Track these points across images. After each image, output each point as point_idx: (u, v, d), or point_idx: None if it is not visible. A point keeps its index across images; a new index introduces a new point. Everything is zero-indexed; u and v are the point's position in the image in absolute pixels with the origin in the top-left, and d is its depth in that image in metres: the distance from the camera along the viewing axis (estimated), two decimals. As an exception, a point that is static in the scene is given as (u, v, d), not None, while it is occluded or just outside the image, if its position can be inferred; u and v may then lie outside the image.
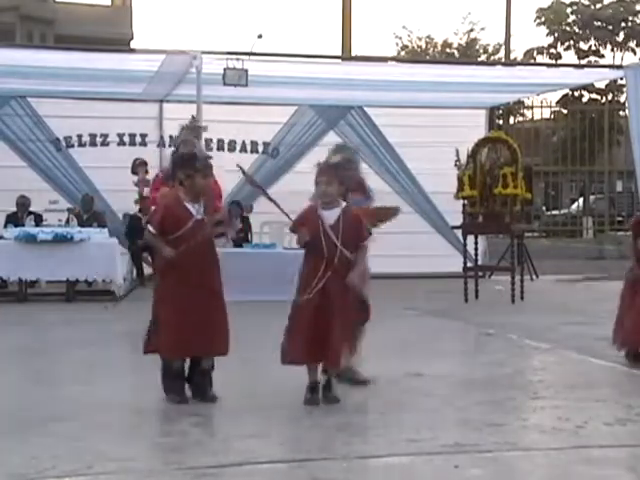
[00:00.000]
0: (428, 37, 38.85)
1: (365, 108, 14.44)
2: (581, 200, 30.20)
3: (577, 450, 4.64)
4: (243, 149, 14.39)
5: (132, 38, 39.79)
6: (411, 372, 6.54)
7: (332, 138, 14.18)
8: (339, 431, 4.95)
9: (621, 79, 12.81)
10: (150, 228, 5.57)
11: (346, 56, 15.99)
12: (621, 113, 30.80)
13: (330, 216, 5.51)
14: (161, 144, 14.02)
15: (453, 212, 12.40)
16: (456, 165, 11.69)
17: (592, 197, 29.05)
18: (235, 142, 14.29)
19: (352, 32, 19.52)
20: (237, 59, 11.12)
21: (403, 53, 37.43)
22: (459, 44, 38.25)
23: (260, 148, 14.45)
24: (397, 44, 38.76)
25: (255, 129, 14.10)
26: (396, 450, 4.58)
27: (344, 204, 5.59)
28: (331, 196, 5.51)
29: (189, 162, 5.63)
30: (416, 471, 4.34)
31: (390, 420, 5.24)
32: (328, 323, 5.36)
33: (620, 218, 25.75)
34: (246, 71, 11.02)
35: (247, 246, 12.39)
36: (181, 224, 5.49)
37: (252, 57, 11.70)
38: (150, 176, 14.01)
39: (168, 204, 5.63)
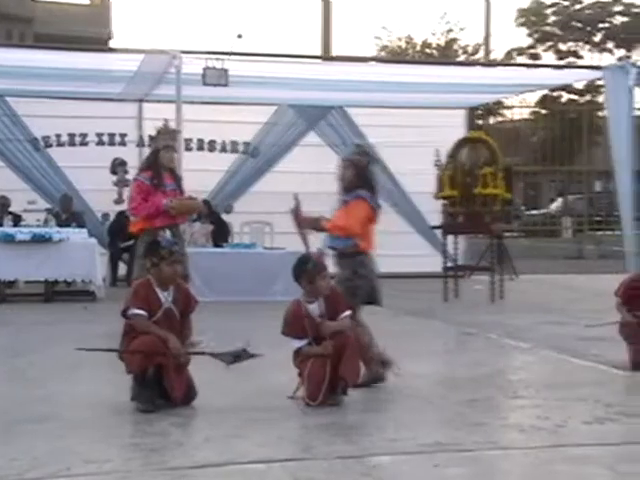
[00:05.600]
0: (408, 37, 38.99)
1: (345, 108, 14.45)
2: (560, 200, 30.35)
3: (556, 449, 4.66)
4: (223, 149, 14.37)
5: (111, 37, 39.65)
6: (391, 371, 6.54)
7: (312, 138, 14.21)
8: (320, 431, 4.94)
9: (599, 80, 12.86)
10: (138, 311, 5.40)
11: (326, 56, 15.98)
12: (599, 114, 30.95)
13: (316, 308, 5.63)
14: (140, 144, 13.98)
15: (433, 212, 12.44)
16: (436, 165, 11.72)
17: (571, 197, 29.21)
18: (215, 142, 14.27)
19: (332, 32, 19.53)
20: (217, 59, 11.09)
21: (383, 54, 37.50)
22: (438, 44, 38.37)
23: (240, 148, 14.44)
24: (377, 44, 38.88)
25: (235, 129, 14.09)
26: (377, 450, 4.59)
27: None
28: (316, 294, 5.62)
29: (153, 250, 5.58)
30: (396, 471, 4.35)
31: (371, 420, 5.25)
32: (339, 359, 5.50)
33: (599, 218, 25.89)
34: (226, 71, 11.00)
35: (227, 246, 12.37)
36: (151, 313, 5.43)
37: (232, 57, 11.67)
38: (130, 176, 13.99)
39: (140, 291, 5.52)
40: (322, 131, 14.42)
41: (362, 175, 6.27)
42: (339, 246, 6.18)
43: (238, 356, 5.58)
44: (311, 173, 13.94)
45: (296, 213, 6.22)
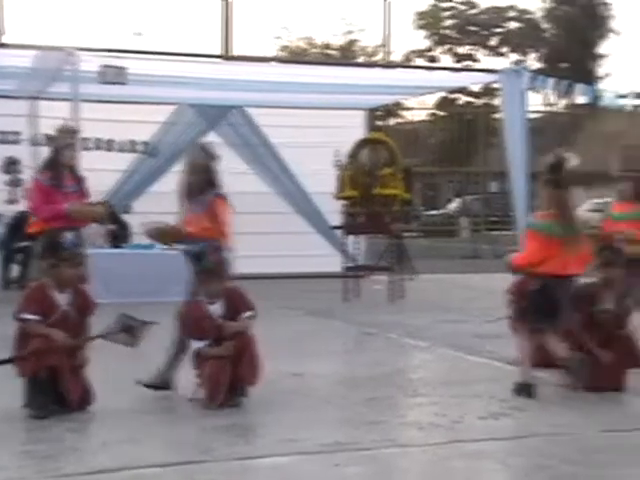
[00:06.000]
0: (308, 38, 39.21)
1: (246, 108, 14.39)
2: (458, 200, 30.92)
3: (453, 445, 4.74)
4: (122, 148, 14.13)
5: (2, 33, 38.55)
6: (292, 372, 6.56)
7: (213, 138, 14.07)
8: (220, 433, 4.91)
9: (495, 83, 13.14)
10: (30, 316, 5.24)
11: (227, 56, 15.88)
12: (495, 116, 31.70)
13: (218, 308, 5.61)
14: (35, 142, 13.62)
15: (334, 212, 12.50)
16: (337, 166, 11.79)
17: (468, 197, 29.79)
18: (113, 141, 14.02)
19: (233, 31, 19.39)
20: (115, 57, 10.90)
21: (283, 54, 37.58)
22: (339, 45, 38.69)
23: (139, 147, 14.22)
24: (277, 44, 38.99)
25: (134, 128, 13.86)
26: (277, 450, 4.59)
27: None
28: (216, 295, 5.59)
29: (54, 251, 5.47)
30: (296, 471, 4.36)
31: (271, 420, 5.24)
32: (239, 360, 5.48)
33: (495, 218, 26.51)
34: (125, 69, 10.81)
35: (126, 247, 12.18)
36: (47, 316, 5.29)
37: (131, 55, 11.49)
38: (24, 175, 13.62)
39: (33, 294, 5.38)
40: (222, 131, 14.31)
41: (212, 177, 6.12)
42: (197, 249, 5.92)
43: (131, 328, 5.49)
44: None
45: (153, 233, 6.14)
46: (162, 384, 5.84)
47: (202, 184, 6.09)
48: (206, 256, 5.71)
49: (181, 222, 6.05)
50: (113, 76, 10.81)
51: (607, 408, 5.60)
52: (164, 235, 6.12)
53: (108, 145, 14.08)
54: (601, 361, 5.94)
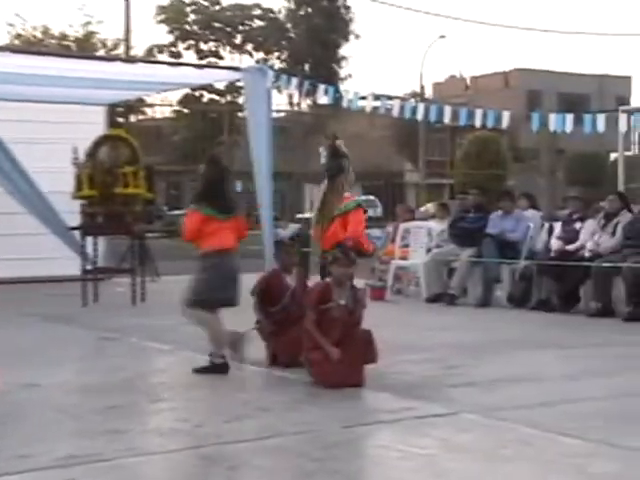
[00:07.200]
0: (44, 27, 37.68)
1: (-27, 101, 13.50)
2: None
3: (194, 450, 4.67)
4: None
5: None
6: (25, 382, 6.19)
7: None
8: None
9: (239, 81, 13.17)
10: None
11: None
12: (240, 114, 32.05)
13: None
14: None
15: (72, 212, 11.99)
16: (74, 163, 11.34)
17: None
18: None
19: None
20: None
21: (17, 42, 35.87)
22: (76, 37, 37.48)
23: None
24: (9, 33, 37.20)
25: None
26: (6, 469, 4.29)
27: None
28: None
29: None
30: (27, 490, 4.09)
31: (0, 436, 4.89)
32: None
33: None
34: None
35: None
36: None
37: None
38: None
39: None
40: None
41: None
42: None
43: None
44: None
45: None
46: None
47: None
48: None
49: None
50: None
51: (348, 404, 5.73)
52: None
53: None
54: (331, 358, 6.04)
